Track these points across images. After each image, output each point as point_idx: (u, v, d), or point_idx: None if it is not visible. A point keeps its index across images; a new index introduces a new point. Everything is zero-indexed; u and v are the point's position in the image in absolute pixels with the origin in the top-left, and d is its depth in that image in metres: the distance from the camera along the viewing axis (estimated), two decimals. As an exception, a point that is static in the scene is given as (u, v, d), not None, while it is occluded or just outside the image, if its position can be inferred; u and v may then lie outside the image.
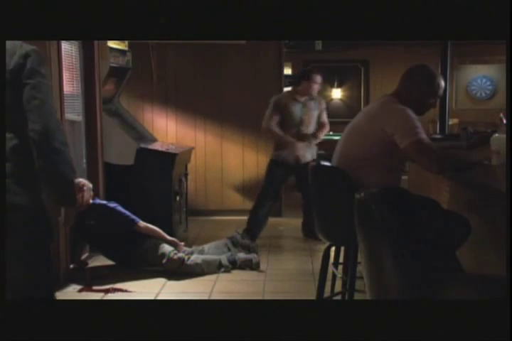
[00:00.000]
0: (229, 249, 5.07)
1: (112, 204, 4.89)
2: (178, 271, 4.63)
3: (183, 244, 5.04)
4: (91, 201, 4.80)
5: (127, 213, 4.85)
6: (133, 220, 4.82)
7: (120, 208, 4.85)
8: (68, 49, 4.90)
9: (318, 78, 5.64)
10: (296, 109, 5.63)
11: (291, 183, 8.13)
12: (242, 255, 4.92)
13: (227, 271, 4.75)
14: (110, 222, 4.77)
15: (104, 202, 4.95)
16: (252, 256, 4.93)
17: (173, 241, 4.94)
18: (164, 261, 4.66)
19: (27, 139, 2.31)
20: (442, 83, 3.33)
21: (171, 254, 4.69)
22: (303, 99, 5.66)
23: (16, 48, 2.29)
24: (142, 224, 4.82)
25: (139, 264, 4.78)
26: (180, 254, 4.73)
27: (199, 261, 4.71)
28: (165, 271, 4.64)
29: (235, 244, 5.16)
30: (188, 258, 4.69)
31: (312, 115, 5.70)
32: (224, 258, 4.81)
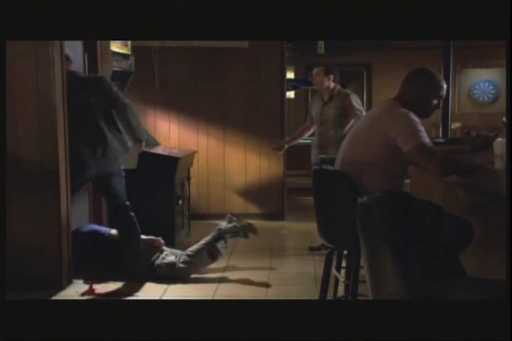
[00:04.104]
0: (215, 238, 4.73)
1: (85, 229, 4.86)
2: (172, 275, 4.54)
3: (160, 238, 4.82)
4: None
5: (98, 229, 4.86)
6: (103, 234, 4.78)
7: (91, 227, 4.86)
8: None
9: (313, 70, 5.52)
10: (313, 109, 5.66)
11: (293, 186, 8.14)
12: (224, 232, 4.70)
13: (225, 247, 4.68)
14: (88, 247, 4.68)
15: (76, 228, 4.79)
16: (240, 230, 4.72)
17: (149, 239, 4.75)
18: (155, 267, 4.56)
19: None
20: (443, 84, 3.32)
21: (159, 261, 4.60)
22: (326, 96, 5.51)
23: None
24: (113, 232, 4.74)
25: (130, 276, 4.55)
26: (171, 258, 4.63)
27: (188, 259, 4.58)
28: (160, 278, 4.53)
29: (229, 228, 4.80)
30: (179, 260, 4.57)
31: (328, 113, 5.45)
32: (210, 244, 4.63)
